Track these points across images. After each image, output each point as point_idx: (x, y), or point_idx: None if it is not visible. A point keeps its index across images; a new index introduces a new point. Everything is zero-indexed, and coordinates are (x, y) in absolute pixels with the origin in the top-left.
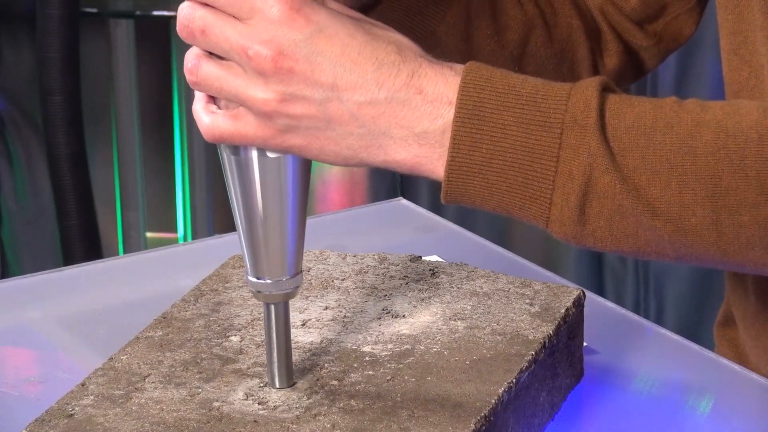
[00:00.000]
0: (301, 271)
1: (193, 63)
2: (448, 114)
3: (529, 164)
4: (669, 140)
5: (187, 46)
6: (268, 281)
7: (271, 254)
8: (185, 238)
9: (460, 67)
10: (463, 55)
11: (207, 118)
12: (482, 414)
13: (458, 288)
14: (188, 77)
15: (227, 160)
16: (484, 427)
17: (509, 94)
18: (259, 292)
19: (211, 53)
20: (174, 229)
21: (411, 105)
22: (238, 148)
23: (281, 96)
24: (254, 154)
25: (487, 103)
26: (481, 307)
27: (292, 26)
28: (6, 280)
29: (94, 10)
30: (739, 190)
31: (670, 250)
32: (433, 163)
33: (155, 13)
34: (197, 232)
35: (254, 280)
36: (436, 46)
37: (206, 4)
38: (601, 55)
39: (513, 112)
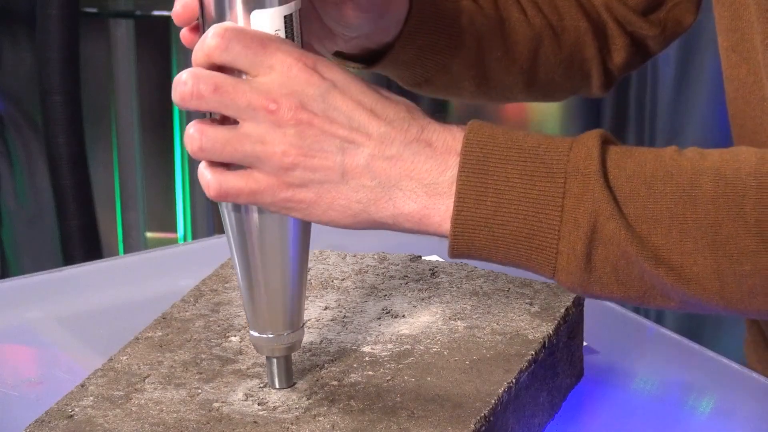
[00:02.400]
0: (303, 325)
1: (195, 129)
2: (456, 166)
3: (533, 215)
4: (669, 189)
5: (189, 51)
6: (270, 336)
7: (273, 310)
8: (185, 238)
9: (464, 126)
10: (474, 79)
11: (214, 175)
12: (482, 414)
13: (458, 288)
14: (191, 146)
15: (228, 216)
16: (483, 428)
17: (512, 148)
18: (260, 346)
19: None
20: (174, 229)
21: (421, 157)
22: (239, 205)
23: (299, 148)
24: (256, 210)
25: (491, 157)
26: (481, 307)
27: (309, 82)
28: (6, 280)
29: (94, 10)
30: (739, 238)
31: (674, 296)
32: (441, 215)
33: (155, 13)
34: (197, 232)
35: (256, 334)
36: (448, 78)
37: (213, 67)
38: (609, 51)
39: (516, 164)
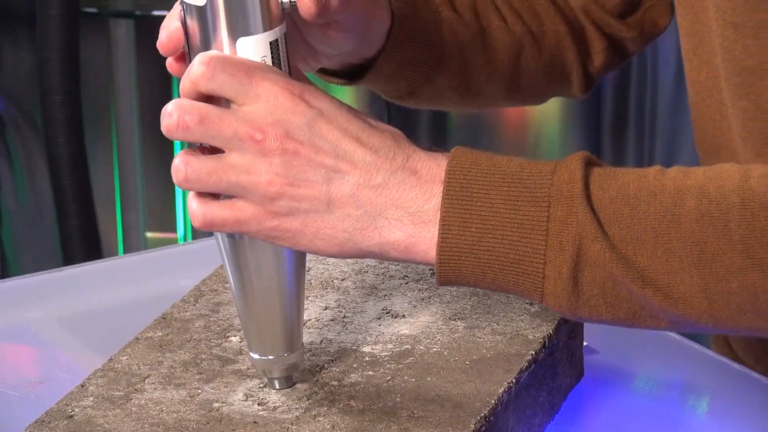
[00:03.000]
0: (303, 345)
1: (180, 160)
2: (440, 193)
3: (519, 240)
4: (653, 209)
5: None
6: (270, 358)
7: (271, 333)
8: (185, 238)
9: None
10: (457, 89)
11: (199, 205)
12: (482, 414)
13: (458, 288)
14: (176, 177)
15: (222, 241)
16: (483, 428)
17: (495, 173)
18: (261, 368)
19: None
20: (174, 229)
21: (406, 186)
22: None
23: (285, 178)
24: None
25: (474, 183)
26: (481, 307)
27: (295, 111)
28: (6, 280)
29: (94, 10)
30: (725, 256)
31: (663, 316)
32: (427, 243)
33: (155, 13)
34: (197, 232)
35: (256, 357)
36: (432, 89)
37: (200, 95)
38: (589, 54)
39: (500, 190)
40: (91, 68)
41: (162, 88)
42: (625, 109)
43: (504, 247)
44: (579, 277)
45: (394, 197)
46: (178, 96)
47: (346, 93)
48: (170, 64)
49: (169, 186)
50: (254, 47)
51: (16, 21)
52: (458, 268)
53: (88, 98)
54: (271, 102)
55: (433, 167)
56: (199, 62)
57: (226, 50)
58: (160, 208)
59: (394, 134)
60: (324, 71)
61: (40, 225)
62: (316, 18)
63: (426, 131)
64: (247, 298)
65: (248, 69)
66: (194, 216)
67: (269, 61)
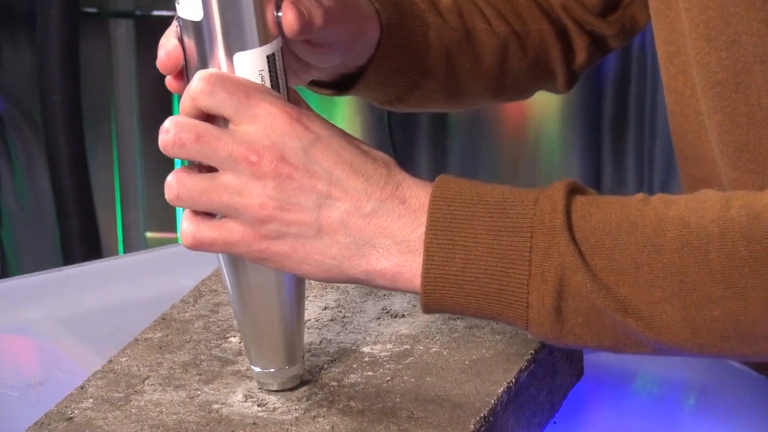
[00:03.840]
0: (303, 358)
1: (173, 177)
2: (426, 223)
3: (501, 270)
4: (634, 239)
5: None
6: (271, 371)
7: (272, 347)
8: None
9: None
10: (445, 93)
11: (189, 224)
12: (482, 414)
13: None
14: (168, 195)
15: (221, 256)
16: (483, 428)
17: (478, 203)
18: (262, 381)
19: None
20: (174, 229)
21: (395, 215)
22: None
23: (277, 201)
24: None
25: (458, 214)
26: None
27: (292, 134)
28: (6, 280)
29: (94, 10)
30: (705, 285)
31: (647, 344)
32: (413, 272)
33: (155, 13)
34: None
35: (257, 370)
36: (420, 93)
37: (199, 112)
38: (572, 51)
39: (483, 220)
40: (91, 68)
41: (162, 88)
42: (625, 108)
43: (487, 277)
44: (562, 306)
45: (382, 226)
46: (178, 95)
47: (344, 99)
48: (169, 82)
49: None
50: (251, 61)
51: (16, 21)
52: (443, 298)
53: (88, 98)
54: (268, 124)
55: (422, 196)
56: (199, 78)
57: (224, 65)
58: (160, 208)
59: (387, 161)
60: (313, 83)
61: (40, 225)
62: (297, 35)
63: (426, 132)
64: (247, 312)
65: (247, 89)
66: (184, 236)
67: (266, 75)
